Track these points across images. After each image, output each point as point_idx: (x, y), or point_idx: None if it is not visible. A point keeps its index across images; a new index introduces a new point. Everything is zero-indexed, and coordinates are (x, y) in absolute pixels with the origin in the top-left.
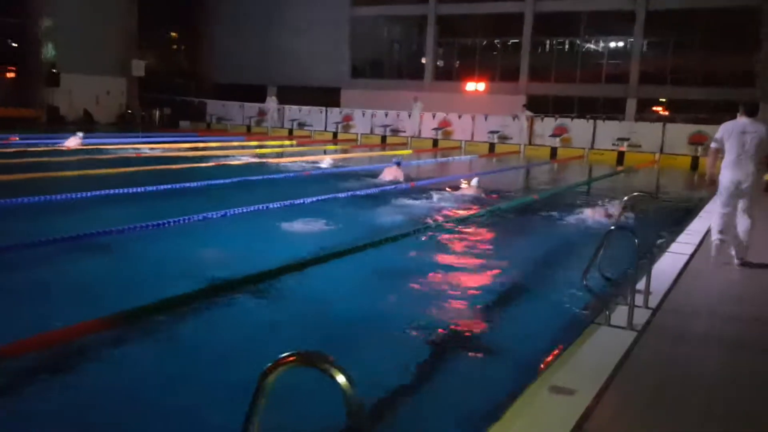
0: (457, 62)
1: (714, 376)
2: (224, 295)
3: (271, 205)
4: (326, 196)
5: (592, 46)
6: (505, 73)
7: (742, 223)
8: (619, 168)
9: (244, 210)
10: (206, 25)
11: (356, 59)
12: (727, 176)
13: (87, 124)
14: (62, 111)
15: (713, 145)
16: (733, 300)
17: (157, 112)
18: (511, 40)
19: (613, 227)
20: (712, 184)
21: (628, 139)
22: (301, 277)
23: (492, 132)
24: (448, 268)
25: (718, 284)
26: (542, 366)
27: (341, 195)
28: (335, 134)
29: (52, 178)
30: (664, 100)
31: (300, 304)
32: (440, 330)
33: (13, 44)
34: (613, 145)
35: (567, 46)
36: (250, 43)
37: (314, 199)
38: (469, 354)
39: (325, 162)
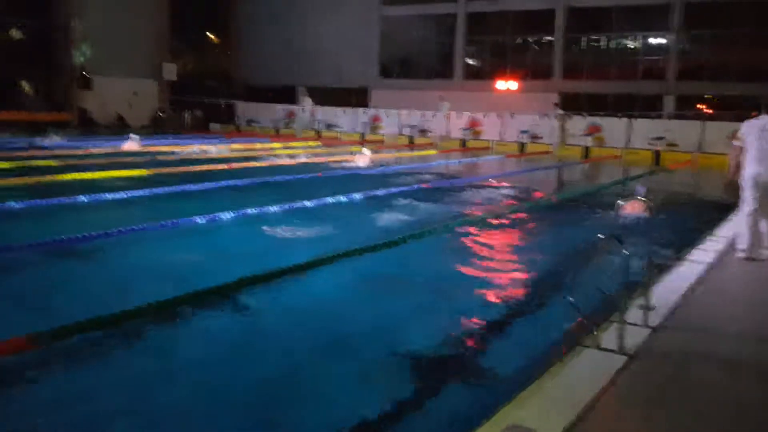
0: (488, 61)
1: (716, 416)
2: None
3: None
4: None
5: (627, 42)
6: (537, 70)
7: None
8: (653, 168)
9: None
10: (238, 27)
11: (386, 59)
12: (749, 171)
13: (120, 127)
14: (95, 114)
15: (735, 142)
16: (753, 317)
17: (187, 115)
18: (543, 37)
19: (601, 235)
20: (734, 180)
21: (663, 138)
22: None
23: (522, 131)
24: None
25: (737, 298)
26: (511, 399)
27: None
28: (363, 135)
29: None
30: (709, 96)
31: None
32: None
33: (44, 48)
34: (649, 144)
35: (601, 42)
36: (280, 45)
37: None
38: (423, 384)
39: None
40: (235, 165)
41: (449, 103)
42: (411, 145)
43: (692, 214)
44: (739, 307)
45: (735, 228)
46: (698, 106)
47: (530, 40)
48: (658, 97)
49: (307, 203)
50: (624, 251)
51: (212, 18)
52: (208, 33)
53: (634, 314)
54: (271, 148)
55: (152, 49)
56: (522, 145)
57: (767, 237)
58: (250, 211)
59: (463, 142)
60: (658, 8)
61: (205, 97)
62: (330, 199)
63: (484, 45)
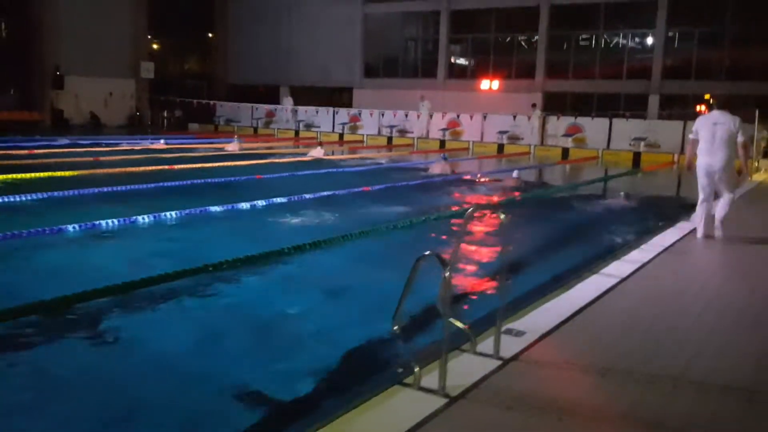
0: (471, 59)
1: None
2: None
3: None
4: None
5: (612, 40)
6: (521, 69)
7: (720, 202)
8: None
9: None
10: (220, 26)
11: (369, 58)
12: (700, 161)
13: (94, 127)
14: (68, 114)
15: (691, 136)
16: (641, 347)
17: (166, 114)
18: (527, 35)
19: (427, 253)
20: (690, 169)
21: (645, 139)
22: None
23: (501, 132)
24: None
25: (632, 316)
26: None
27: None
28: (341, 135)
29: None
30: (707, 96)
31: None
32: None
33: (17, 46)
34: (630, 145)
35: (585, 41)
36: (262, 44)
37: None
38: None
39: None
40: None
41: (429, 102)
42: (389, 145)
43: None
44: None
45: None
46: (698, 106)
47: (514, 38)
48: (644, 97)
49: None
50: (446, 272)
51: (195, 16)
52: (189, 32)
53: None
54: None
55: (130, 48)
56: (501, 146)
57: (720, 218)
58: None
59: (442, 143)
60: (644, 5)
61: (185, 97)
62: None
63: (467, 43)
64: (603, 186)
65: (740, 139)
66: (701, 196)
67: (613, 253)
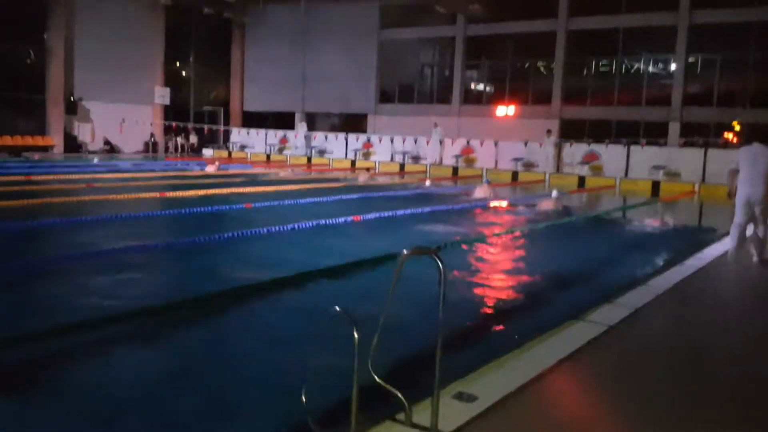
0: (487, 85)
1: None
2: None
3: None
4: None
5: (631, 65)
6: (538, 95)
7: (760, 230)
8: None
9: None
10: (235, 52)
11: (384, 84)
12: (740, 191)
13: (109, 152)
14: (83, 139)
15: (731, 166)
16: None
17: (179, 140)
18: (544, 61)
19: (337, 308)
20: (731, 198)
21: (664, 167)
22: None
23: (516, 159)
24: None
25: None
26: None
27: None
28: (353, 162)
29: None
30: (735, 124)
31: None
32: None
33: (31, 70)
34: (649, 173)
35: (604, 66)
36: (278, 71)
37: None
38: None
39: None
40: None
41: (442, 129)
42: (401, 172)
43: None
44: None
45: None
46: (726, 134)
47: (530, 63)
48: (664, 124)
49: None
50: (355, 329)
51: (211, 43)
52: (206, 58)
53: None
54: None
55: (146, 74)
56: (515, 174)
57: (759, 244)
58: None
59: (455, 170)
60: (664, 30)
61: (201, 123)
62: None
63: (483, 69)
64: (622, 215)
65: None
66: (737, 221)
67: (607, 296)
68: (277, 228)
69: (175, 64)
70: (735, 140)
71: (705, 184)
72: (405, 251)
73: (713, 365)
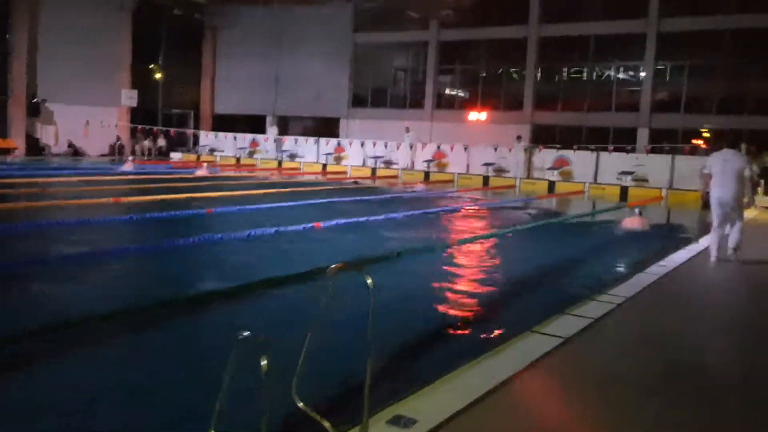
0: (460, 90)
1: None
2: None
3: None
4: None
5: (601, 72)
6: (510, 101)
7: (732, 230)
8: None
9: None
10: (206, 54)
11: (358, 88)
12: (713, 193)
13: (73, 155)
14: (46, 142)
15: (704, 170)
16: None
17: (146, 143)
18: (516, 67)
19: (245, 333)
20: (704, 200)
21: (632, 173)
22: None
23: (486, 164)
24: None
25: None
26: None
27: None
28: (325, 166)
29: None
30: (705, 131)
31: None
32: None
33: None
34: (617, 179)
35: (574, 73)
36: (250, 73)
37: None
38: None
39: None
40: None
41: (414, 133)
42: (373, 177)
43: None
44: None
45: (707, 241)
46: (694, 141)
47: (502, 69)
48: (633, 130)
49: None
50: (262, 359)
51: (182, 45)
52: (176, 60)
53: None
54: None
55: (112, 76)
56: (486, 179)
57: (734, 244)
58: None
59: (426, 175)
60: (633, 38)
61: (170, 126)
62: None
63: (455, 74)
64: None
65: (747, 173)
66: (714, 223)
67: (564, 306)
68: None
69: (144, 65)
70: (703, 146)
71: (672, 190)
72: (333, 266)
73: (676, 381)
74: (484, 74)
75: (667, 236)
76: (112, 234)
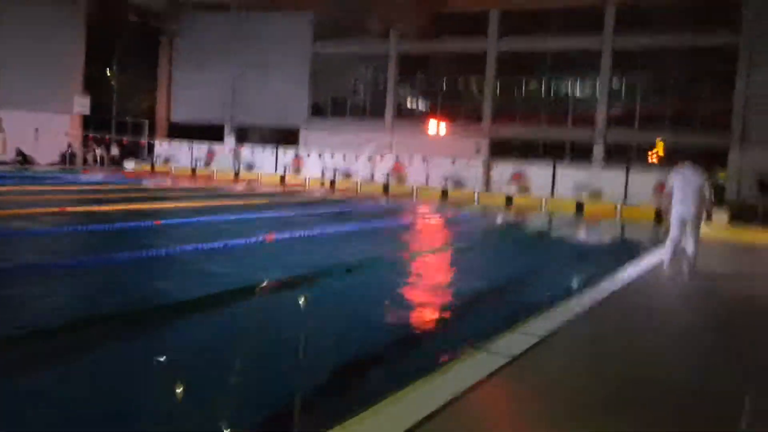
0: (419, 102)
1: None
2: None
3: None
4: None
5: (558, 87)
6: (469, 114)
7: (689, 245)
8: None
9: None
10: (163, 61)
11: (317, 98)
12: (674, 210)
13: (21, 164)
14: None
15: (666, 189)
16: None
17: (98, 152)
18: (476, 80)
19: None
20: (666, 216)
21: (588, 187)
22: None
23: (446, 177)
24: None
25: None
26: None
27: None
28: (283, 177)
29: None
30: (658, 142)
31: None
32: None
33: None
34: (574, 193)
35: (532, 87)
36: (208, 81)
37: None
38: None
39: None
40: None
41: (374, 145)
42: (331, 188)
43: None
44: None
45: (661, 254)
46: (650, 153)
47: (462, 82)
48: (589, 144)
49: None
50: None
51: (137, 51)
52: (131, 66)
53: None
54: None
55: (64, 82)
56: (444, 192)
57: (691, 258)
58: None
59: (386, 187)
60: (589, 53)
61: (124, 134)
62: None
63: (415, 86)
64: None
65: (707, 191)
66: (672, 236)
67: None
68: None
69: (97, 72)
70: (656, 161)
71: (626, 205)
72: (265, 282)
73: (625, 399)
74: (444, 86)
75: (621, 250)
76: (53, 245)
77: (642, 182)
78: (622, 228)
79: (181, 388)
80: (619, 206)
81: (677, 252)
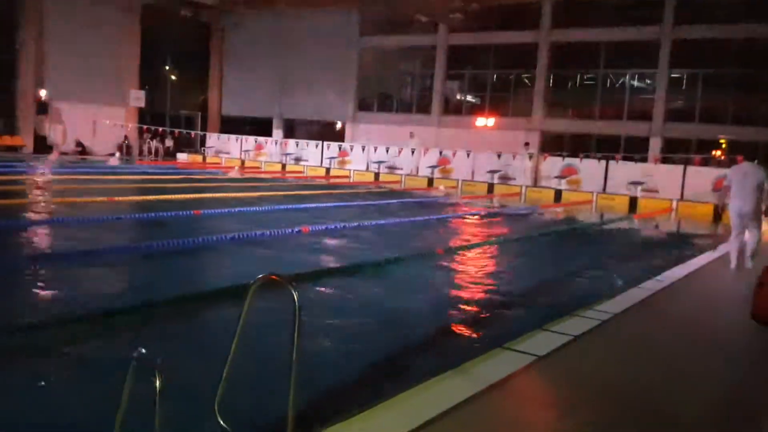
0: (468, 96)
1: None
2: None
3: None
4: None
5: (614, 80)
6: (519, 107)
7: (750, 239)
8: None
9: None
10: (215, 57)
11: (364, 92)
12: (732, 205)
13: (80, 154)
14: (53, 140)
15: (725, 183)
16: None
17: (153, 144)
18: (526, 73)
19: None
20: (724, 211)
21: (643, 183)
22: None
23: (492, 171)
24: None
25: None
26: None
27: None
28: (328, 170)
29: None
30: (722, 141)
31: None
32: None
33: (1, 69)
34: (627, 189)
35: (586, 80)
36: (257, 76)
37: None
38: None
39: None
40: None
41: (419, 139)
42: (376, 182)
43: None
44: None
45: (725, 247)
46: (714, 152)
47: (512, 75)
48: (645, 140)
49: None
50: (157, 381)
51: (191, 46)
52: (185, 61)
53: None
54: None
55: (120, 75)
56: (491, 186)
57: (751, 252)
58: None
59: (430, 181)
60: (647, 44)
61: (178, 127)
62: None
63: (464, 79)
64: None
65: (766, 186)
66: (734, 233)
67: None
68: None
69: (153, 66)
70: (722, 156)
71: (683, 202)
72: (258, 277)
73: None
74: (493, 80)
75: (682, 245)
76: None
77: (700, 178)
78: (678, 225)
79: None
80: (675, 203)
81: (740, 245)
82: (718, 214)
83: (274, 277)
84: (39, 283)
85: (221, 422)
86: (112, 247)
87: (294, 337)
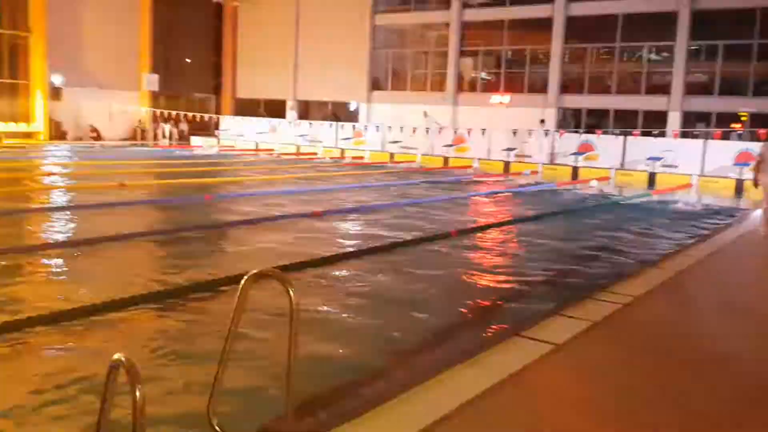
0: (483, 73)
1: None
2: None
3: None
4: None
5: (631, 53)
6: (534, 83)
7: None
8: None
9: None
10: (227, 39)
11: (377, 71)
12: (764, 179)
13: (95, 140)
14: (67, 126)
15: (757, 157)
16: None
17: (168, 128)
18: (541, 48)
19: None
20: (756, 187)
21: (661, 158)
22: None
23: (508, 149)
24: None
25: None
26: None
27: None
28: (343, 151)
29: None
30: (743, 114)
31: None
32: None
33: (15, 55)
34: (646, 164)
35: (602, 54)
36: (271, 57)
37: None
38: None
39: None
40: None
41: (433, 117)
42: (392, 161)
43: None
44: None
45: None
46: (733, 125)
47: (527, 51)
48: (663, 114)
49: None
50: (137, 389)
51: (203, 30)
52: (197, 45)
53: None
54: None
55: (133, 60)
56: (507, 164)
57: None
58: None
59: (446, 160)
60: (664, 17)
61: (192, 111)
62: None
63: (478, 56)
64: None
65: None
66: (765, 204)
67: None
68: None
69: (166, 50)
70: (741, 128)
71: (703, 177)
72: (251, 272)
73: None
74: (508, 56)
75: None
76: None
77: (721, 152)
78: (699, 201)
79: None
80: (695, 178)
81: None
82: (741, 189)
83: (267, 272)
84: None
85: (216, 428)
86: None
87: (290, 332)
